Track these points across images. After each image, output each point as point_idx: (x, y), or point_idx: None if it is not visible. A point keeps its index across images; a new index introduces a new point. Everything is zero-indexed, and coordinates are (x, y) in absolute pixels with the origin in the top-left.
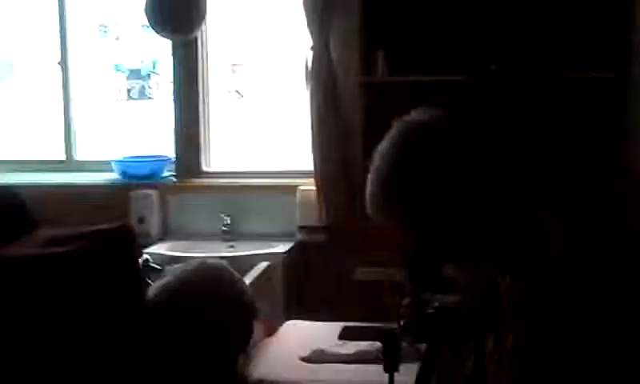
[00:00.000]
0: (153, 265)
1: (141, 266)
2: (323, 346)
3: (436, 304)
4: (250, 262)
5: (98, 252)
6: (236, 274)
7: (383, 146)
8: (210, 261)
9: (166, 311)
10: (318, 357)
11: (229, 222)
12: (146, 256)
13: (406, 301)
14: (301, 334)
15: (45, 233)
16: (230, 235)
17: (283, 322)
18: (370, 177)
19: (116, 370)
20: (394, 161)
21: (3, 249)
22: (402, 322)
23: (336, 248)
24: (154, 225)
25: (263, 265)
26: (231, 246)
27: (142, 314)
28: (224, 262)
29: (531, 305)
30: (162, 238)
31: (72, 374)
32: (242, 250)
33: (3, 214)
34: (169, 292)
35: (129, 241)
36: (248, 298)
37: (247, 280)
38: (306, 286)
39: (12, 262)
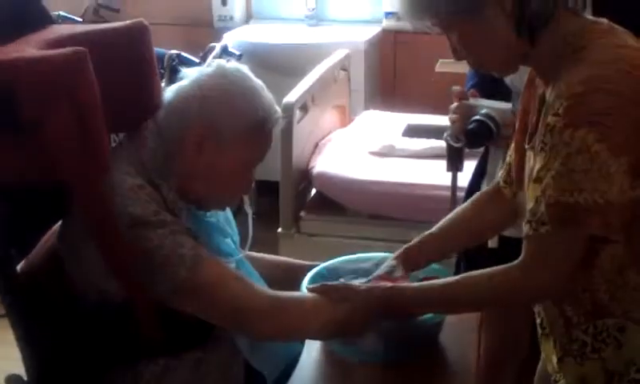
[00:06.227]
0: (232, 50)
1: (219, 52)
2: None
3: (482, 112)
4: (329, 49)
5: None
6: (255, 82)
7: None
8: (231, 66)
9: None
10: (386, 151)
11: (314, 5)
12: (224, 43)
13: (454, 105)
14: (374, 126)
15: (55, 31)
16: (315, 20)
17: (361, 112)
18: None
19: None
20: None
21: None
22: (453, 125)
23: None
24: (238, 7)
25: (340, 54)
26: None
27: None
28: (245, 68)
29: None
30: (246, 21)
31: None
32: (325, 36)
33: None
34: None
35: (141, 38)
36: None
37: (322, 68)
38: (388, 75)
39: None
